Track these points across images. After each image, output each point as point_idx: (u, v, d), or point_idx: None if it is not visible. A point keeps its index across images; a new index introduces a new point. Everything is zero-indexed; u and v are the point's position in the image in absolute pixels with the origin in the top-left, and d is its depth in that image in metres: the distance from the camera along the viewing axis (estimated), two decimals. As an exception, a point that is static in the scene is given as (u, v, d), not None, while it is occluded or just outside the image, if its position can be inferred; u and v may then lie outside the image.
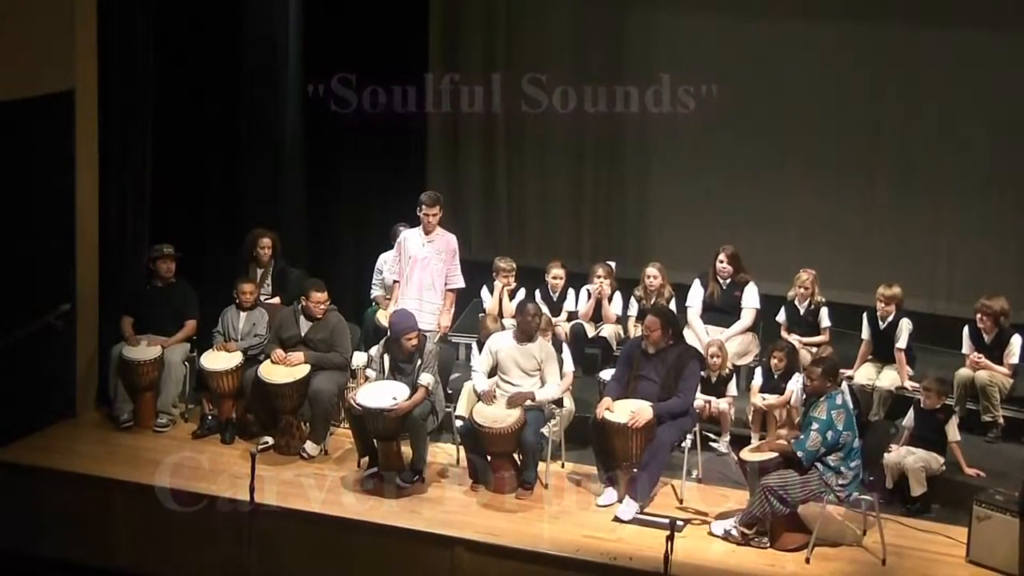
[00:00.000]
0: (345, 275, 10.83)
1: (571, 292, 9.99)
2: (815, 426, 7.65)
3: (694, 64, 11.25)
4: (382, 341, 8.75)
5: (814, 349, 9.27)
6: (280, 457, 8.92)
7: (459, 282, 9.43)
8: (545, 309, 9.66)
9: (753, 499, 7.79)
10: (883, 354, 9.22)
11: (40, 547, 8.21)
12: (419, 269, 9.27)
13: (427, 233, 9.29)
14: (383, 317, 9.46)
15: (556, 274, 9.94)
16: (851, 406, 7.94)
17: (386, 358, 8.60)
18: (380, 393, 8.40)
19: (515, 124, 12.02)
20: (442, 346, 9.09)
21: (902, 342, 9.06)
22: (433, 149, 12.10)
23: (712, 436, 8.88)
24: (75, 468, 8.58)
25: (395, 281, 9.42)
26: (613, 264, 10.00)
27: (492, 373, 8.63)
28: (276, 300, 9.75)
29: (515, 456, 8.49)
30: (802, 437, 7.69)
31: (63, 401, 9.25)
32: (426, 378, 8.45)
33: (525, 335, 8.53)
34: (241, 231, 10.01)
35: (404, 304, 9.14)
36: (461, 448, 8.73)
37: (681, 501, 8.39)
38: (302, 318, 9.08)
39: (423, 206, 9.22)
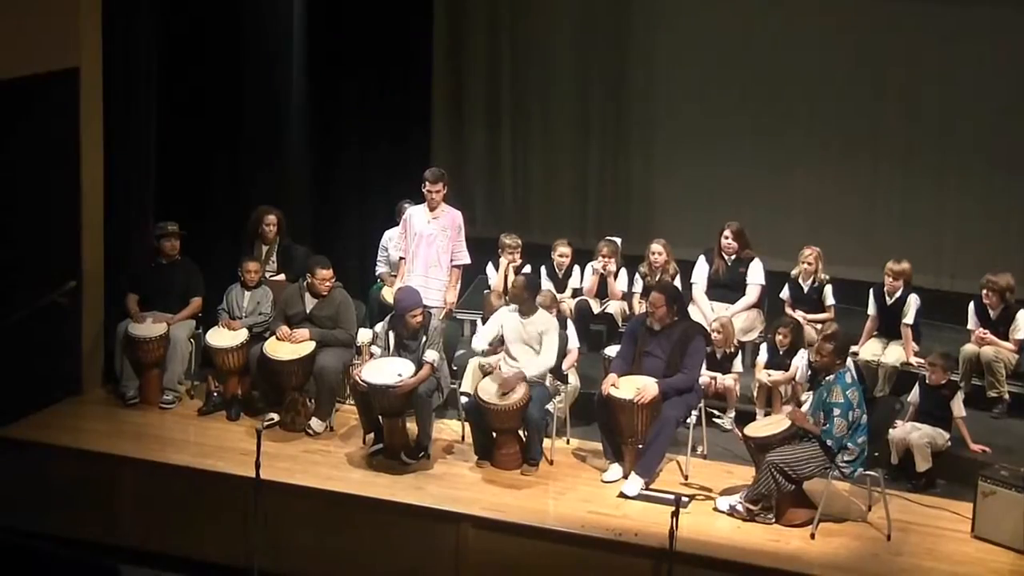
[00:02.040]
0: (350, 252, 10.81)
1: (576, 269, 9.97)
2: (837, 411, 7.62)
3: (699, 39, 11.21)
4: (387, 318, 8.73)
5: (819, 326, 9.29)
6: (286, 434, 8.90)
7: (464, 258, 9.42)
8: (551, 286, 9.75)
9: (758, 475, 7.79)
10: (889, 330, 9.19)
11: (46, 524, 8.21)
12: (425, 246, 9.27)
13: (432, 210, 9.28)
14: (388, 294, 9.46)
15: (562, 251, 9.95)
16: (859, 383, 7.90)
17: (391, 335, 8.58)
18: (385, 370, 8.38)
19: (520, 99, 12.00)
20: (447, 323, 9.07)
21: (910, 318, 9.01)
22: (438, 125, 12.06)
23: (717, 412, 8.83)
24: (81, 445, 8.57)
25: (401, 258, 9.43)
26: (619, 240, 9.96)
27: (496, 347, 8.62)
28: (281, 277, 9.73)
29: (520, 433, 8.47)
30: (826, 427, 7.64)
31: (69, 378, 9.23)
32: (431, 355, 8.41)
33: (521, 307, 8.49)
34: (246, 208, 9.98)
35: (410, 281, 9.13)
36: (466, 425, 8.72)
37: (686, 477, 8.39)
38: (307, 295, 9.05)
39: (427, 183, 9.21)
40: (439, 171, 9.34)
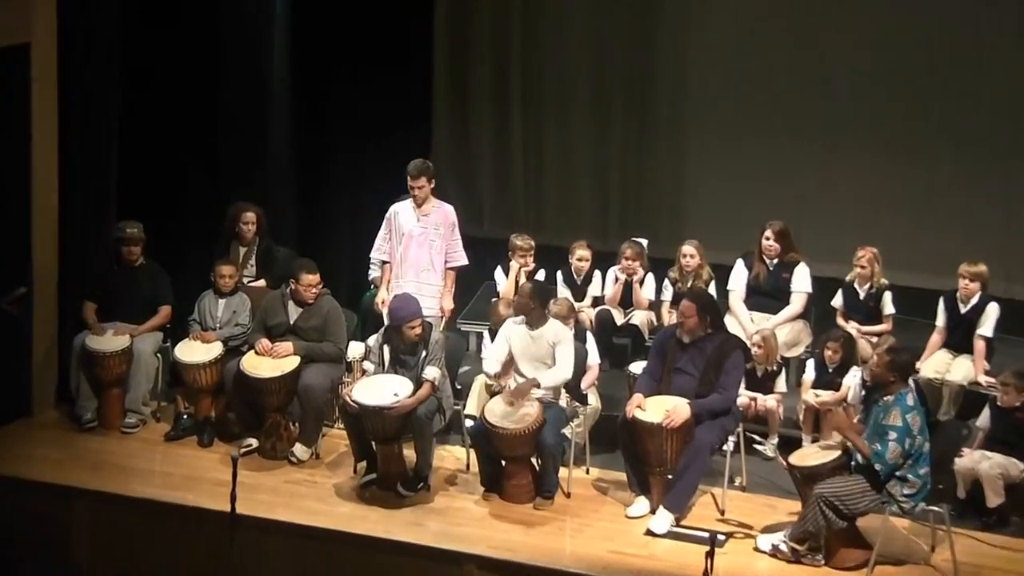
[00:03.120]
0: (340, 255, 10.81)
1: (597, 274, 9.98)
2: (892, 435, 7.53)
3: (735, 21, 11.20)
4: (382, 330, 8.72)
5: (875, 339, 9.23)
6: (265, 462, 8.90)
7: (461, 259, 9.47)
8: (568, 294, 9.74)
9: (805, 510, 7.70)
10: (958, 343, 9.08)
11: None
12: (415, 247, 9.33)
13: (419, 206, 9.32)
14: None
15: (580, 255, 9.94)
16: (921, 405, 7.83)
17: (386, 349, 8.56)
18: (379, 389, 8.37)
19: (532, 85, 11.98)
20: (450, 335, 9.12)
21: (987, 328, 8.91)
22: (439, 115, 12.09)
23: (758, 438, 8.83)
24: (32, 475, 8.55)
25: (384, 262, 9.45)
26: (644, 242, 9.99)
27: (509, 366, 8.60)
28: (261, 283, 9.74)
29: (533, 461, 8.46)
30: (878, 448, 7.56)
31: (17, 398, 9.23)
32: (432, 372, 8.39)
33: (528, 318, 8.48)
34: (221, 205, 9.97)
35: (400, 288, 9.18)
36: (472, 451, 8.71)
37: (722, 512, 8.34)
38: (291, 303, 9.04)
39: (408, 178, 9.24)
40: (422, 163, 9.36)
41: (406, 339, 8.45)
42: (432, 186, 9.31)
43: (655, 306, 9.87)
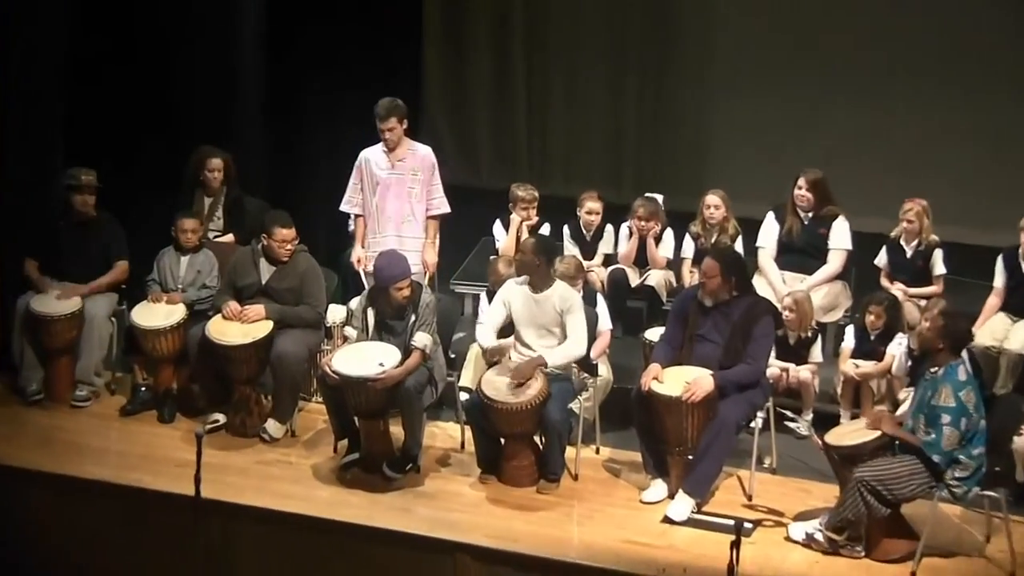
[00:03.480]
0: (318, 206, 10.78)
1: (609, 229, 10.04)
2: (946, 419, 7.47)
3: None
4: (365, 291, 8.74)
5: (923, 302, 9.20)
6: (234, 440, 8.92)
7: (443, 206, 9.50)
8: (576, 251, 9.74)
9: (844, 495, 7.67)
10: (1019, 306, 9.01)
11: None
12: (392, 197, 9.38)
13: (391, 150, 9.35)
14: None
15: (590, 207, 9.98)
16: (975, 378, 7.76)
17: (370, 313, 8.58)
18: (363, 358, 8.36)
19: (537, 22, 11.99)
20: (442, 298, 9.11)
21: (1055, 289, 8.99)
22: (431, 52, 12.13)
23: (790, 414, 8.81)
24: (-32, 454, 8.56)
25: (357, 216, 9.51)
26: (660, 199, 10.01)
27: (508, 332, 8.61)
28: (229, 238, 9.78)
29: (536, 439, 8.47)
30: (932, 437, 7.52)
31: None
32: (422, 339, 8.40)
33: (532, 279, 8.46)
34: (184, 150, 9.95)
35: (379, 244, 9.23)
36: (467, 428, 8.72)
37: (750, 497, 8.35)
38: (263, 261, 9.06)
39: (376, 120, 9.28)
40: (391, 102, 9.33)
41: (393, 302, 8.45)
42: (405, 127, 9.33)
43: (674, 265, 9.89)
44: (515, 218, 9.86)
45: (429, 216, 9.45)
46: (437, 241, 9.53)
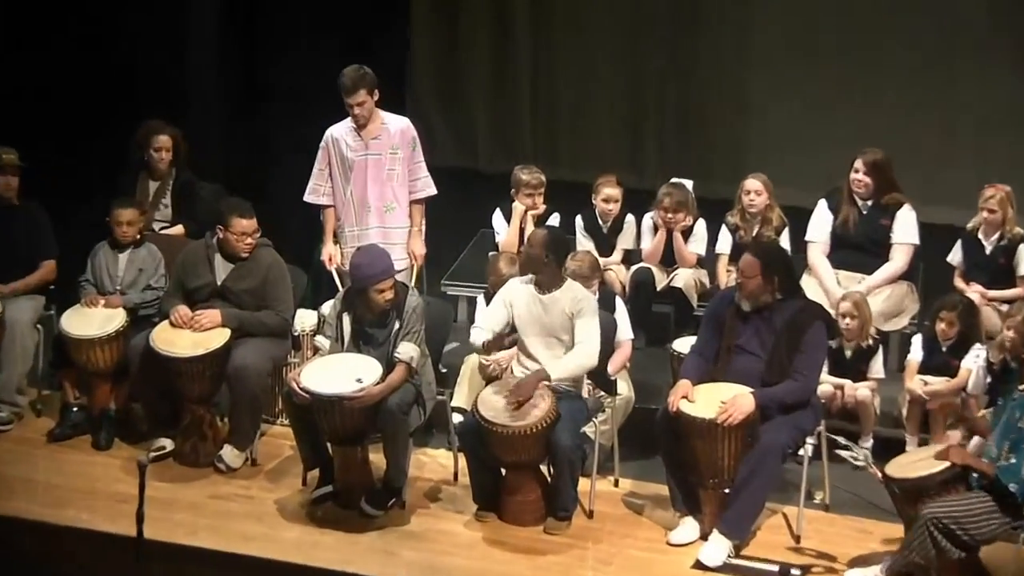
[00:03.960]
0: (285, 193, 10.68)
1: (629, 220, 10.09)
2: None
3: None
4: (340, 294, 8.75)
5: (1004, 307, 9.17)
6: (184, 470, 8.95)
7: (428, 187, 9.59)
8: (591, 246, 9.78)
9: (910, 536, 7.65)
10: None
11: None
12: (370, 182, 9.46)
13: (363, 127, 9.42)
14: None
15: (608, 194, 10.02)
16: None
17: (346, 319, 8.60)
18: (338, 372, 8.37)
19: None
20: (431, 301, 9.10)
21: None
22: (418, 14, 12.23)
23: (845, 440, 8.61)
24: None
25: (324, 206, 9.58)
26: (689, 184, 10.06)
27: (510, 343, 8.67)
28: (178, 230, 9.87)
29: (543, 469, 8.46)
30: (1012, 461, 7.51)
31: None
32: (408, 350, 8.40)
33: (539, 278, 8.46)
34: (125, 125, 9.96)
35: (358, 238, 9.34)
36: (461, 457, 8.77)
37: (798, 539, 8.33)
38: (218, 258, 9.10)
39: (342, 93, 9.32)
40: (356, 72, 9.34)
41: (373, 306, 8.45)
42: (376, 99, 9.36)
43: (707, 262, 9.95)
44: (518, 207, 9.89)
45: (413, 200, 9.50)
46: (424, 228, 9.57)
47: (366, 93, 9.26)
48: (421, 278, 9.58)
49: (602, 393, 8.66)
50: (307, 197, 9.62)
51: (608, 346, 8.62)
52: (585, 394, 8.52)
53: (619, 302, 9.09)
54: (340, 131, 9.44)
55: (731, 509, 8.09)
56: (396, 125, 9.44)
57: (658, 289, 9.82)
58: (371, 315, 8.48)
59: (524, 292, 8.48)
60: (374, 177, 9.40)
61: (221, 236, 8.98)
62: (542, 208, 9.90)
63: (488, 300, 8.89)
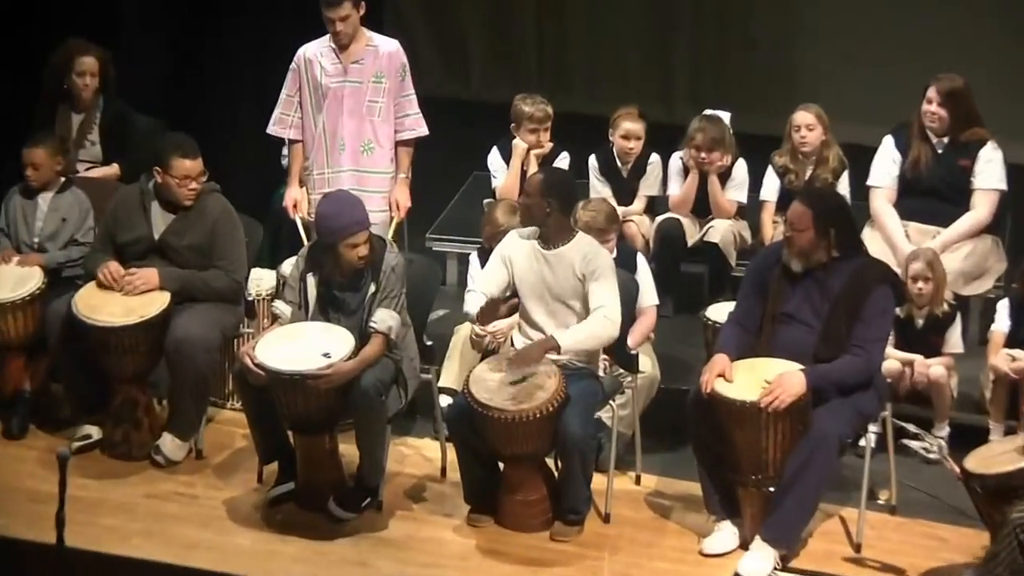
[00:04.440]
0: (237, 128, 10.96)
1: (654, 161, 10.16)
2: None
3: None
4: (304, 250, 8.77)
5: None
6: (115, 464, 8.95)
7: (419, 126, 9.68)
8: (608, 192, 9.85)
9: (994, 545, 7.61)
10: None
11: None
12: (347, 115, 9.51)
13: (344, 48, 9.48)
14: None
15: (628, 130, 10.07)
16: None
17: (311, 281, 8.61)
18: (301, 345, 8.36)
19: None
20: (414, 260, 9.13)
21: None
22: None
23: (914, 429, 8.70)
24: None
25: (294, 141, 9.62)
26: (727, 117, 10.13)
27: (509, 310, 8.64)
28: (109, 171, 9.91)
29: (550, 463, 8.46)
30: None
31: None
32: (385, 318, 8.41)
33: (543, 231, 8.45)
34: (40, 46, 10.02)
35: (329, 182, 9.41)
36: (450, 448, 8.75)
37: (858, 547, 8.31)
38: (155, 206, 9.12)
39: (323, 7, 9.40)
40: None
41: (344, 264, 8.46)
42: (362, 13, 9.42)
43: (749, 212, 9.96)
44: (519, 144, 9.92)
45: (400, 141, 9.53)
46: (410, 176, 9.64)
47: (351, 6, 9.30)
48: (402, 232, 9.57)
49: (621, 371, 8.62)
50: (271, 128, 9.66)
51: (628, 314, 8.59)
52: (601, 372, 8.48)
53: (641, 260, 9.09)
54: (315, 51, 9.49)
55: (777, 512, 8.06)
56: (384, 49, 9.50)
57: (689, 245, 9.87)
58: (341, 276, 8.49)
59: (526, 248, 8.47)
60: (351, 109, 9.43)
61: (159, 180, 8.97)
62: (548, 146, 9.91)
63: (483, 258, 8.91)
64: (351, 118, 9.41)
